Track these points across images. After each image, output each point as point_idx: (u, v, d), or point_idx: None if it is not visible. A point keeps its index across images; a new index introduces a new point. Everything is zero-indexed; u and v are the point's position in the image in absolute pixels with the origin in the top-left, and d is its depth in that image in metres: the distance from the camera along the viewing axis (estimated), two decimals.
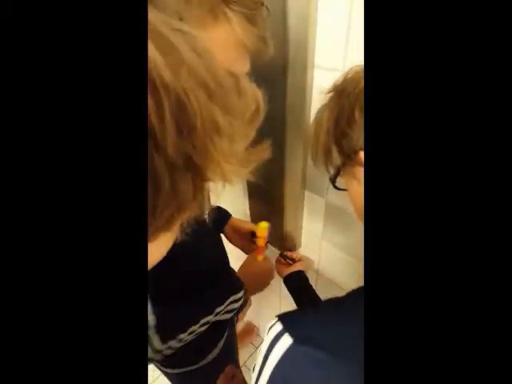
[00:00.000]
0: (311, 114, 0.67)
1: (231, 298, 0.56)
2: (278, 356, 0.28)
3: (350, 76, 0.44)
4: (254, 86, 0.22)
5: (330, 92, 0.45)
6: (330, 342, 0.28)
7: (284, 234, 0.93)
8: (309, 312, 0.33)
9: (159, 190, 0.17)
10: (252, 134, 0.22)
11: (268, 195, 0.91)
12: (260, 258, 0.75)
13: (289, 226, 0.91)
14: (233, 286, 0.59)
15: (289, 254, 0.87)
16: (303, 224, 0.91)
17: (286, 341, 0.28)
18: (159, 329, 0.46)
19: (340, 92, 0.44)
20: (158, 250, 0.23)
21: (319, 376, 0.26)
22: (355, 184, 0.42)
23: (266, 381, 0.29)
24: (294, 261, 0.86)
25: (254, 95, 0.21)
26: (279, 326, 0.30)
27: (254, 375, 0.31)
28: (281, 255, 0.88)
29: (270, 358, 0.29)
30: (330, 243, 0.86)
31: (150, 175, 0.16)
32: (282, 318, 0.31)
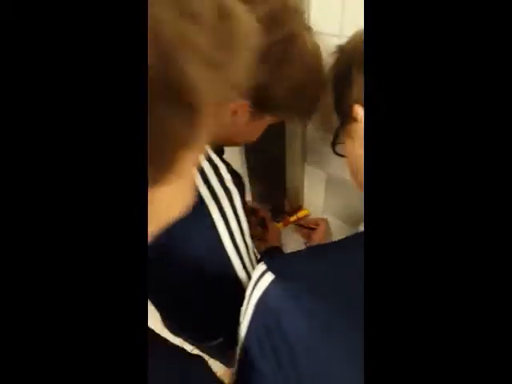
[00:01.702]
0: None
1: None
2: (260, 293, 0.29)
3: (352, 39, 0.43)
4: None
5: (333, 54, 0.45)
6: (311, 280, 0.28)
7: (286, 207, 0.94)
8: (293, 254, 0.33)
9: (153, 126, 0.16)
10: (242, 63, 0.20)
11: (269, 171, 0.91)
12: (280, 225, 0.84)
13: (290, 200, 0.92)
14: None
15: (303, 223, 0.85)
16: (305, 197, 0.91)
17: (268, 278, 0.29)
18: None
19: (340, 52, 0.44)
20: (175, 196, 0.22)
21: (298, 310, 0.27)
22: (351, 143, 0.40)
23: (250, 316, 0.29)
24: (312, 228, 0.83)
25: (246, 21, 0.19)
26: (263, 266, 0.30)
27: (241, 314, 0.31)
28: (298, 225, 0.86)
29: (253, 295, 0.29)
30: (332, 215, 0.86)
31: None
32: (267, 259, 0.31)
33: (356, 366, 0.26)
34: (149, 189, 0.19)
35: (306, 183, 0.87)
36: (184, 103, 0.17)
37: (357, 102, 0.37)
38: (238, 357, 0.32)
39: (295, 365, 0.27)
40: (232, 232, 0.42)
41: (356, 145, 0.39)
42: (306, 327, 0.27)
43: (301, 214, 0.86)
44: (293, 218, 0.86)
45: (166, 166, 0.19)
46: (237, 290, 0.43)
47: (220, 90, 0.19)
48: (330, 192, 0.81)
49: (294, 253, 0.33)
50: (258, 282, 0.29)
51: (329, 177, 0.79)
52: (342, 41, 0.55)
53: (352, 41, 0.42)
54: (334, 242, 0.34)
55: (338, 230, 0.86)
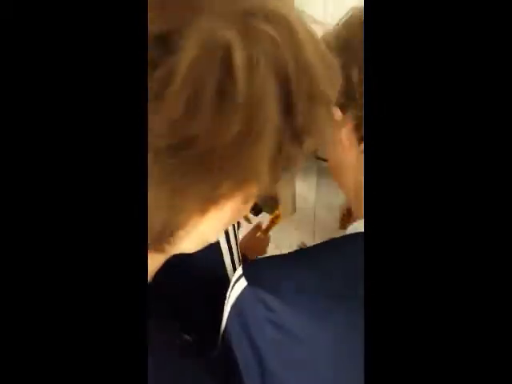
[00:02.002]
0: None
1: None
2: (234, 298, 0.31)
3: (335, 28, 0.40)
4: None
5: None
6: (283, 286, 0.30)
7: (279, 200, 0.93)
8: (271, 259, 0.34)
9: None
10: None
11: None
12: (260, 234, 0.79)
13: (283, 193, 0.91)
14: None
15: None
16: (297, 190, 0.91)
17: (242, 283, 0.31)
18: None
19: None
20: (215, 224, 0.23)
21: (268, 317, 0.29)
22: (331, 146, 0.39)
23: (225, 320, 0.32)
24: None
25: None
26: (240, 271, 0.32)
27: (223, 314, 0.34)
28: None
29: (229, 299, 0.32)
30: (324, 206, 0.86)
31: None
32: (244, 264, 0.33)
33: (323, 367, 0.29)
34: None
35: (298, 175, 0.87)
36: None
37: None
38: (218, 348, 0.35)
39: (263, 367, 0.30)
40: (227, 231, 0.42)
41: (337, 148, 0.38)
42: (273, 334, 0.29)
43: (273, 216, 0.81)
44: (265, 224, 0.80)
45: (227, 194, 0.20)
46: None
47: None
48: (322, 182, 0.81)
49: (270, 258, 0.35)
50: (234, 285, 0.31)
51: (320, 169, 0.78)
52: (326, 29, 0.54)
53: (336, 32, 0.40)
54: (314, 246, 0.35)
55: (331, 224, 0.86)
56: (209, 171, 0.17)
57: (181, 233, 0.21)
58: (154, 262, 0.26)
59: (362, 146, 0.35)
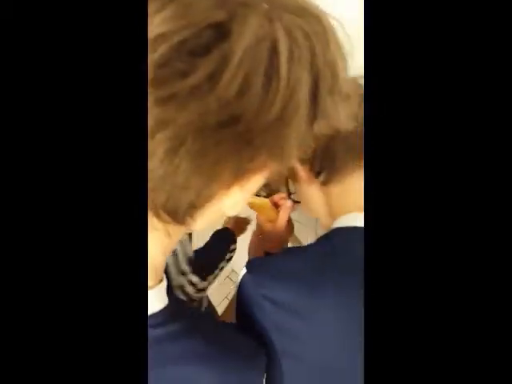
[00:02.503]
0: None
1: (232, 246, 0.74)
2: (238, 283, 0.39)
3: None
4: None
5: None
6: (273, 272, 0.37)
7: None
8: (273, 256, 0.43)
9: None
10: None
11: None
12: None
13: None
14: (226, 235, 0.76)
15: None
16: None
17: (243, 271, 0.39)
18: (194, 271, 0.60)
19: None
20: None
21: (263, 294, 0.35)
22: (301, 195, 0.48)
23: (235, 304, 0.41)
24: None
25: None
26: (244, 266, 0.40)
27: None
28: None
29: (238, 286, 0.40)
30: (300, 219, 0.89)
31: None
32: (248, 261, 0.41)
33: (318, 342, 0.34)
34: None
35: None
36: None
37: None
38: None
39: (269, 339, 0.35)
40: None
41: (302, 186, 0.45)
42: (271, 309, 0.35)
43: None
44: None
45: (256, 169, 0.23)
46: None
47: None
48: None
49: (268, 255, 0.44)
50: (240, 276, 0.40)
51: None
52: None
53: None
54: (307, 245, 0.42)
55: None
56: (248, 145, 0.19)
57: (205, 207, 0.23)
58: (177, 233, 0.27)
59: (321, 176, 0.41)
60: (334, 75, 0.21)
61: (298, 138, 0.22)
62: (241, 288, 0.38)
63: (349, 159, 0.39)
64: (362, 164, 0.38)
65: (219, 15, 0.17)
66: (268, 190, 0.90)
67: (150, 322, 0.25)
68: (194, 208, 0.22)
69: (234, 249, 0.75)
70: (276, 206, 0.63)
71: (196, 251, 0.64)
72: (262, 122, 0.19)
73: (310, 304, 0.34)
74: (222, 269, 0.69)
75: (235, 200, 0.24)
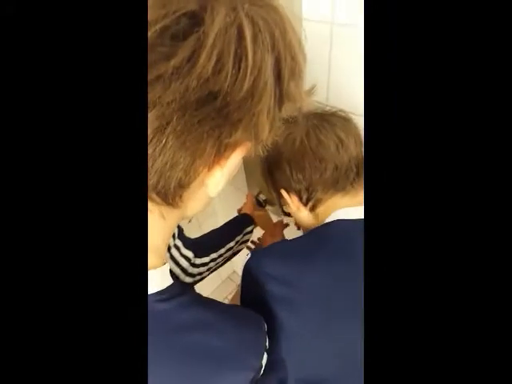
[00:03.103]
0: None
1: (248, 229, 0.75)
2: (242, 267, 0.47)
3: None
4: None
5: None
6: (278, 252, 0.47)
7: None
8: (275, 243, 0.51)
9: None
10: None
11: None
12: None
13: None
14: (245, 220, 0.77)
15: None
16: None
17: (248, 257, 0.47)
18: (196, 252, 0.63)
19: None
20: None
21: (266, 272, 0.44)
22: (291, 209, 0.56)
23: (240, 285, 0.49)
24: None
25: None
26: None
27: None
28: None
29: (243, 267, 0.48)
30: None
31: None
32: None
33: (319, 310, 0.41)
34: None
35: None
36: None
37: (283, 187, 0.54)
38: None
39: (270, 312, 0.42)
40: None
41: (295, 215, 0.57)
42: (272, 285, 0.43)
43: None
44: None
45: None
46: None
47: None
48: None
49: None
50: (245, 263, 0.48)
51: None
52: (334, 29, 0.57)
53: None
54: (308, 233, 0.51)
55: None
56: (226, 121, 0.22)
57: (191, 187, 0.26)
58: (171, 216, 0.29)
59: (309, 204, 0.53)
60: (294, 58, 0.24)
61: (269, 117, 0.24)
62: (245, 268, 0.46)
63: (326, 191, 0.51)
64: (337, 192, 0.51)
65: (192, 5, 0.20)
66: (265, 197, 0.92)
67: (156, 297, 0.27)
68: (181, 187, 0.25)
69: (248, 232, 0.76)
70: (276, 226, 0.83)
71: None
72: (236, 97, 0.21)
73: (303, 273, 0.43)
74: (229, 249, 0.70)
75: (216, 180, 0.26)
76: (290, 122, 0.55)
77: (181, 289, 0.30)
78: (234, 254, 0.74)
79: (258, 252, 0.48)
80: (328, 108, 0.58)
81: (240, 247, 0.75)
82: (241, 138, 0.24)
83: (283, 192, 0.54)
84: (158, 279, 0.29)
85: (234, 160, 0.26)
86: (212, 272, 0.68)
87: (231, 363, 0.29)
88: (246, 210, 0.81)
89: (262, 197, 0.86)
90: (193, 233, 0.82)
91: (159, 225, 0.28)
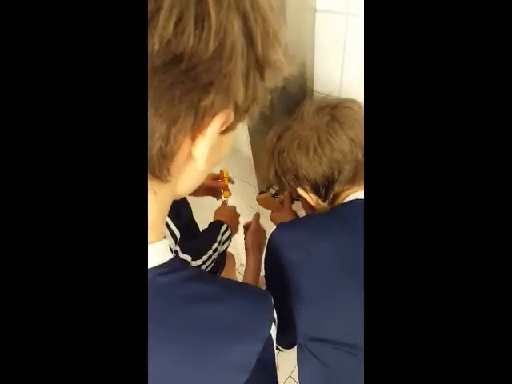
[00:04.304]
0: (314, 58, 0.67)
1: (222, 229, 0.82)
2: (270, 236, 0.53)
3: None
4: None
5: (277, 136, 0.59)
6: (298, 224, 0.53)
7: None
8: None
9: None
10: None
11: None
12: (226, 194, 0.90)
13: None
14: (217, 223, 0.84)
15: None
16: None
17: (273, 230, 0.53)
18: (192, 255, 0.71)
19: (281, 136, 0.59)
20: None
21: (282, 240, 0.51)
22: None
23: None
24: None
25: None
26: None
27: None
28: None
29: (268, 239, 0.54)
30: None
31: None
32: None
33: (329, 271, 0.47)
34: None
35: None
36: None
37: (298, 186, 0.58)
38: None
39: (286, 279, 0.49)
40: None
41: (315, 206, 0.61)
42: (292, 254, 0.49)
43: (224, 174, 0.91)
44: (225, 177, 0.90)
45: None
46: None
47: None
48: None
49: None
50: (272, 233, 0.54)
51: None
52: (349, 19, 0.56)
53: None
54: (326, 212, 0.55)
55: None
56: (195, 82, 0.22)
57: (176, 160, 0.26)
58: (162, 191, 0.29)
59: (328, 199, 0.57)
60: (265, 20, 0.24)
61: (245, 81, 0.24)
62: (270, 238, 0.52)
63: (344, 186, 0.55)
64: (354, 185, 0.55)
65: None
66: (278, 187, 0.92)
67: (157, 271, 0.28)
68: (165, 158, 0.25)
69: (225, 232, 0.84)
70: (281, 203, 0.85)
71: (189, 236, 0.74)
72: (203, 58, 0.21)
73: (319, 241, 0.48)
74: (215, 250, 0.78)
75: (201, 150, 0.26)
76: (294, 119, 0.57)
77: (182, 264, 0.30)
78: (220, 255, 0.82)
79: (281, 225, 0.52)
80: (330, 98, 0.58)
81: (224, 247, 0.83)
82: (217, 103, 0.24)
83: (301, 192, 0.58)
84: (157, 253, 0.29)
85: (215, 127, 0.25)
86: None
87: (238, 334, 0.29)
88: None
89: (274, 188, 0.87)
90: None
91: (151, 200, 0.28)
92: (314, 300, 0.48)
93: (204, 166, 0.28)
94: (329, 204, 0.57)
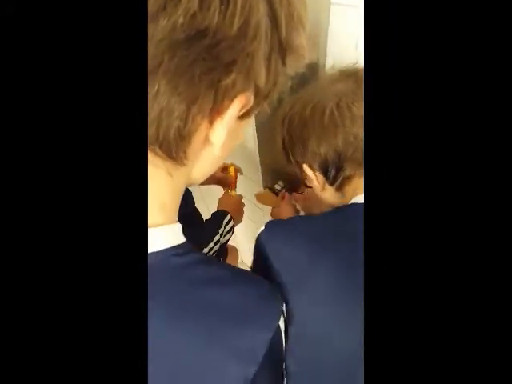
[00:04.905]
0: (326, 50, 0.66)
1: (225, 220, 0.79)
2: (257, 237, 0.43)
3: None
4: None
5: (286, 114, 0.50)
6: (291, 230, 0.42)
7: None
8: (289, 218, 0.45)
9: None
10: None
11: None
12: (233, 193, 0.87)
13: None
14: (220, 213, 0.81)
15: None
16: None
17: (262, 228, 0.43)
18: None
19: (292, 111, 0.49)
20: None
21: (279, 239, 0.41)
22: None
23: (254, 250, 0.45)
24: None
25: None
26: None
27: None
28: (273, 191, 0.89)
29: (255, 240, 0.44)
30: None
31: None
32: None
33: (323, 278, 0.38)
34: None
35: None
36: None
37: (306, 161, 0.48)
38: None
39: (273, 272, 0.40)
40: None
41: (319, 194, 0.52)
42: (285, 251, 0.40)
43: (231, 171, 0.89)
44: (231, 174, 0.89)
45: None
46: None
47: None
48: None
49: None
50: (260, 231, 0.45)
51: None
52: (360, 12, 0.55)
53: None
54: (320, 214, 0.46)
55: None
56: (217, 61, 0.21)
57: (194, 142, 0.26)
58: (178, 174, 0.28)
59: (336, 183, 0.47)
60: (290, 3, 0.23)
61: (267, 64, 0.24)
62: (258, 240, 0.43)
63: (357, 168, 0.45)
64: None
65: None
66: (284, 183, 0.92)
67: (172, 252, 0.27)
68: (182, 139, 0.24)
69: (228, 223, 0.80)
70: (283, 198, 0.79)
71: (190, 226, 0.70)
72: (227, 35, 0.20)
73: (311, 265, 0.38)
74: (217, 242, 0.75)
75: (219, 133, 0.25)
76: (311, 84, 0.49)
77: (193, 247, 0.30)
78: (222, 246, 0.79)
79: (271, 225, 0.43)
80: (353, 65, 0.49)
81: (226, 238, 0.80)
82: (238, 84, 0.23)
83: (307, 169, 0.48)
84: (171, 235, 0.29)
85: (234, 111, 0.24)
86: None
87: (248, 320, 0.28)
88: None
89: (279, 184, 0.87)
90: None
91: (166, 182, 0.28)
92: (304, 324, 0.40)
93: (220, 151, 0.27)
94: (336, 190, 0.48)
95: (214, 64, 0.21)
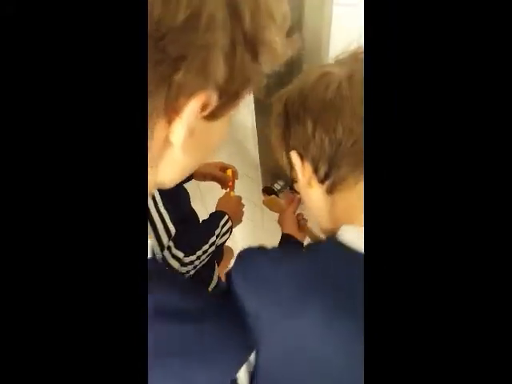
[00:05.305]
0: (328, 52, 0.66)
1: (222, 221, 0.77)
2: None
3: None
4: None
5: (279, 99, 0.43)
6: (264, 272, 0.36)
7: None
8: (266, 250, 0.40)
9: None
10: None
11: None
12: (232, 193, 0.87)
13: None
14: (218, 214, 0.79)
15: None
16: None
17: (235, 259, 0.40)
18: (185, 251, 0.66)
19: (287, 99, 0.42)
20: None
21: (243, 287, 0.37)
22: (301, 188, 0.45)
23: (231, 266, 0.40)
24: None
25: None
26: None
27: None
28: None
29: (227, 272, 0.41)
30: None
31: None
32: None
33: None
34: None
35: None
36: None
37: (293, 148, 0.40)
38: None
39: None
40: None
41: (304, 191, 0.44)
42: (264, 271, 0.36)
43: (229, 173, 0.89)
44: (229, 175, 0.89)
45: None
46: None
47: None
48: None
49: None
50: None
51: None
52: (359, 11, 0.55)
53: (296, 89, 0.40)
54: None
55: None
56: (164, 54, 0.20)
57: (154, 145, 0.24)
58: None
59: (327, 182, 0.39)
60: None
61: (228, 59, 0.22)
62: (230, 275, 0.39)
63: (354, 169, 0.37)
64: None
65: None
66: (283, 182, 0.91)
67: None
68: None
69: (225, 224, 0.78)
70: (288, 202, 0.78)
71: (184, 227, 0.71)
72: (171, 28, 0.19)
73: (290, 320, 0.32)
74: (212, 244, 0.73)
75: (177, 133, 0.24)
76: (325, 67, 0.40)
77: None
78: (218, 248, 0.77)
79: (245, 258, 0.39)
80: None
81: (222, 239, 0.78)
82: (191, 81, 0.21)
83: (294, 155, 0.40)
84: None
85: (192, 109, 0.23)
86: (195, 269, 0.71)
87: (209, 358, 0.28)
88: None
89: (279, 184, 0.86)
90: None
91: None
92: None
93: (183, 152, 0.25)
94: (327, 192, 0.40)
95: (160, 57, 0.20)
